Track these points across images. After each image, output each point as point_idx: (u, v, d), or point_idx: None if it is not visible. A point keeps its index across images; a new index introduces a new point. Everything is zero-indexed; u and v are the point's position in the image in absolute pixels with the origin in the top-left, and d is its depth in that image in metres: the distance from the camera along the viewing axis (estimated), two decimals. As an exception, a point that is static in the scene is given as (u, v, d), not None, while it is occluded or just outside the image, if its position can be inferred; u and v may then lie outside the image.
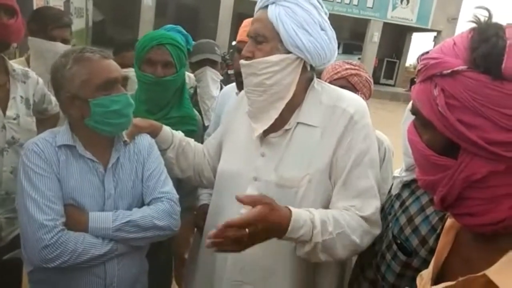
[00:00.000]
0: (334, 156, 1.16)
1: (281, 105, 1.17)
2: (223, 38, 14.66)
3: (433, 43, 17.39)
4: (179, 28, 2.89)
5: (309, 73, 1.22)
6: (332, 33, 1.18)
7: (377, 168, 1.20)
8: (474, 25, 0.63)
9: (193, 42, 2.48)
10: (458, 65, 0.60)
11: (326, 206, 1.17)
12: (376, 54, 16.65)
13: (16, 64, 1.68)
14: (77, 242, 1.15)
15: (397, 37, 18.79)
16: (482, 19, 0.63)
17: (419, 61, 0.69)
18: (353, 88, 1.75)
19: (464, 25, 0.70)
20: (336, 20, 16.67)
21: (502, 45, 0.58)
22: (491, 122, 0.58)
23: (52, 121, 1.92)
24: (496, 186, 0.60)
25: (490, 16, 0.63)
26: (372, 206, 1.14)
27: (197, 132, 1.81)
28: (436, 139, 0.64)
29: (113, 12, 15.82)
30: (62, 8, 6.34)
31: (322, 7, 1.19)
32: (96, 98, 1.19)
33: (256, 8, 1.19)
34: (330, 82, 1.80)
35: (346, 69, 1.76)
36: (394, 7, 16.20)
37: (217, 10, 15.20)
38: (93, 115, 1.20)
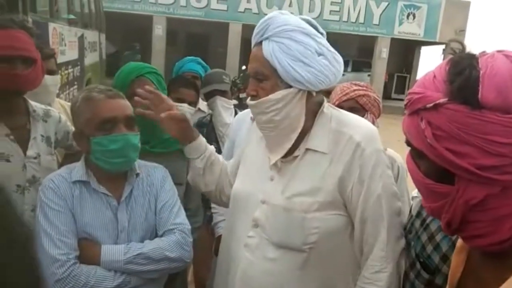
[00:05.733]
0: (343, 186, 1.16)
1: (294, 136, 1.18)
2: (232, 63, 14.91)
3: (442, 56, 17.34)
4: (199, 59, 3.02)
5: (318, 97, 1.21)
6: (331, 53, 1.16)
7: (393, 195, 1.20)
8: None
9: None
10: (439, 98, 0.63)
11: (331, 234, 1.17)
12: (385, 69, 16.67)
13: (38, 104, 1.73)
14: (89, 276, 1.17)
15: (405, 52, 18.84)
16: (461, 45, 0.66)
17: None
18: (362, 108, 1.78)
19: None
20: (344, 39, 16.75)
21: (476, 75, 0.61)
22: (478, 149, 0.60)
23: (79, 156, 1.96)
24: (496, 207, 0.62)
25: (463, 48, 0.66)
26: (381, 238, 1.15)
27: None
28: (431, 168, 0.67)
29: (126, 44, 16.23)
30: (77, 44, 6.55)
31: (317, 29, 1.17)
32: (96, 136, 1.24)
33: (252, 43, 1.20)
34: (339, 104, 1.83)
35: (354, 90, 1.78)
36: (400, 23, 16.30)
37: (226, 37, 15.51)
38: (93, 153, 1.25)
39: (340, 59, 1.19)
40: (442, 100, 0.63)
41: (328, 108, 1.24)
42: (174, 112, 1.33)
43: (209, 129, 2.43)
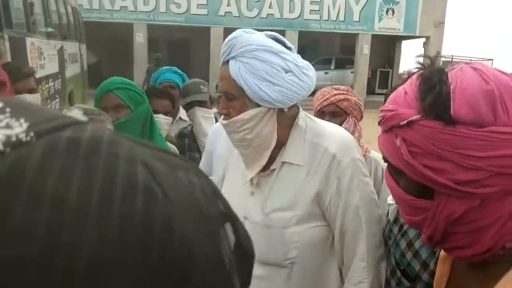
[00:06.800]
0: (321, 198, 1.16)
1: (268, 152, 1.18)
2: (215, 67, 14.87)
3: (423, 49, 17.60)
4: (174, 68, 3.04)
5: (291, 111, 1.19)
6: (299, 68, 1.12)
7: (371, 203, 1.20)
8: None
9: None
10: (412, 115, 0.63)
11: (312, 247, 1.17)
12: (368, 65, 16.82)
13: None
14: None
15: (387, 47, 19.04)
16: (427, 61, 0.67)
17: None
18: (343, 112, 1.79)
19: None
20: (325, 37, 16.88)
21: (446, 91, 0.61)
22: (455, 164, 0.60)
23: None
24: (476, 219, 0.62)
25: (432, 62, 0.66)
26: (360, 249, 1.16)
27: None
28: (410, 184, 0.67)
29: (107, 53, 16.11)
30: (56, 57, 6.48)
31: (284, 45, 1.14)
32: None
33: (220, 61, 1.18)
34: (320, 109, 1.84)
35: (335, 94, 1.79)
36: (380, 19, 16.46)
37: (208, 41, 15.49)
38: None
39: (311, 71, 1.16)
40: (415, 117, 0.62)
41: (303, 119, 1.22)
42: None
43: (190, 139, 2.42)
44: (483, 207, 0.61)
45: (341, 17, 16.32)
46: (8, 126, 0.22)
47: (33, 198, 0.20)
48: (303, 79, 1.12)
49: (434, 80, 0.63)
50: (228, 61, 1.13)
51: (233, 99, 1.13)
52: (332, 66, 18.20)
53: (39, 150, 0.21)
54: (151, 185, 0.23)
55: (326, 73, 17.89)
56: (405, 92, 0.66)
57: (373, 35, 16.61)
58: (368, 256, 1.17)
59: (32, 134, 0.22)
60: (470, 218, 0.62)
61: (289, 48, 1.15)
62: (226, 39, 1.14)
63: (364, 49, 16.53)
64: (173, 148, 1.90)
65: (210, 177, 1.46)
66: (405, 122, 0.63)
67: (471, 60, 18.10)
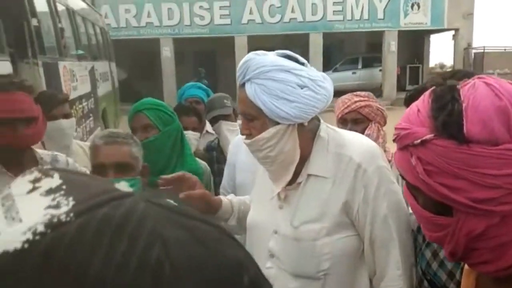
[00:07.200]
0: (348, 207, 1.16)
1: (293, 167, 1.20)
2: (242, 75, 14.99)
3: (452, 41, 17.12)
4: (199, 84, 3.17)
5: (312, 123, 1.21)
6: (313, 82, 1.13)
7: (399, 210, 1.19)
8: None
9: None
10: (425, 134, 0.62)
11: (345, 258, 1.17)
12: (396, 62, 16.51)
13: (44, 151, 1.80)
14: None
15: (415, 42, 18.62)
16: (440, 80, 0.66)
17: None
18: (365, 119, 1.78)
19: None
20: (350, 37, 16.65)
21: (459, 109, 0.60)
22: (472, 183, 0.59)
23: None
24: (498, 236, 0.61)
25: (445, 80, 0.65)
26: (393, 258, 1.15)
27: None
28: (429, 202, 0.66)
29: (136, 68, 16.56)
30: (88, 77, 6.73)
31: (297, 61, 1.16)
32: None
33: (237, 84, 1.21)
34: (342, 116, 1.84)
35: (356, 102, 1.79)
36: (406, 14, 16.14)
37: (232, 50, 15.64)
38: None
39: (327, 82, 1.17)
40: (428, 137, 0.62)
41: (324, 131, 1.23)
42: (192, 192, 1.34)
43: (218, 152, 2.47)
44: (503, 224, 0.60)
45: (365, 16, 16.10)
46: (57, 206, 0.27)
47: (61, 272, 0.25)
48: (319, 91, 1.14)
49: (446, 98, 0.62)
50: (244, 84, 1.16)
51: (253, 120, 1.17)
52: (360, 66, 17.96)
53: (73, 229, 0.26)
54: (162, 262, 0.26)
55: (353, 73, 17.70)
56: (418, 110, 0.66)
57: (399, 31, 16.29)
58: (403, 264, 1.16)
59: (72, 214, 0.27)
60: (491, 234, 0.61)
61: (302, 64, 1.17)
62: (240, 63, 1.17)
63: (391, 46, 16.24)
64: (203, 164, 1.95)
65: (235, 197, 1.48)
66: (418, 141, 0.63)
67: (505, 49, 17.44)
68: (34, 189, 0.29)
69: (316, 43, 15.97)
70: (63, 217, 0.27)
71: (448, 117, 0.60)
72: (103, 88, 8.11)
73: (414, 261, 1.19)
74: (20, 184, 0.30)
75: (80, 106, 5.84)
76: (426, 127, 0.63)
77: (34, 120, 1.59)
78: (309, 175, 1.21)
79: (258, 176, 1.40)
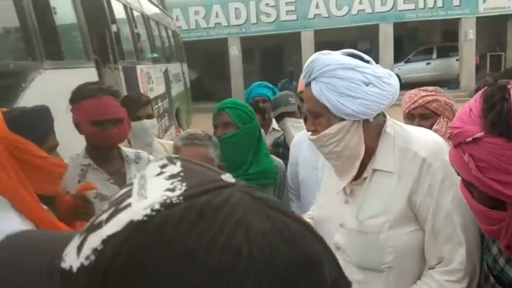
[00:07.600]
0: (412, 201, 1.17)
1: (358, 162, 1.22)
2: (309, 70, 14.90)
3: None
4: (265, 83, 3.32)
5: (377, 119, 1.23)
6: (378, 78, 1.15)
7: (465, 206, 1.18)
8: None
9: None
10: (477, 132, 0.65)
11: (409, 252, 1.18)
12: (475, 51, 15.43)
13: (129, 149, 2.00)
14: None
15: (496, 28, 17.20)
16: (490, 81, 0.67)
17: None
18: (433, 114, 1.75)
19: None
20: (423, 26, 15.77)
21: (508, 108, 0.62)
22: None
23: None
24: None
25: (495, 80, 0.67)
26: (458, 254, 1.13)
27: (272, 184, 1.98)
28: (483, 197, 0.68)
29: (205, 68, 17.14)
30: (162, 79, 7.12)
31: (362, 59, 1.18)
32: None
33: (303, 84, 1.26)
34: (409, 112, 1.82)
35: (423, 96, 1.76)
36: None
37: (298, 46, 15.60)
38: None
39: (392, 78, 1.18)
40: (479, 134, 0.65)
41: (391, 127, 1.25)
42: None
43: (284, 148, 2.56)
44: None
45: (439, 3, 15.19)
46: (173, 189, 0.33)
47: (166, 246, 0.31)
48: (385, 88, 1.16)
49: (495, 98, 0.64)
50: (309, 83, 1.21)
51: (319, 117, 1.21)
52: (434, 56, 17.03)
53: (180, 211, 0.32)
54: (242, 247, 0.31)
55: (428, 63, 16.83)
56: (470, 109, 0.69)
57: (477, 18, 15.17)
58: (467, 259, 1.14)
59: (181, 198, 0.32)
60: None
61: (367, 61, 1.20)
62: (306, 64, 1.22)
63: (469, 34, 15.17)
64: (278, 162, 2.06)
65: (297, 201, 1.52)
66: (470, 139, 0.66)
67: None
68: (161, 173, 0.35)
69: (386, 34, 15.39)
70: (174, 199, 0.32)
71: (497, 116, 0.63)
72: (176, 89, 8.51)
73: (480, 258, 1.17)
74: (153, 167, 0.37)
75: (156, 106, 6.20)
76: (477, 125, 0.66)
77: (120, 121, 1.77)
78: (374, 170, 1.24)
79: (325, 171, 1.45)
